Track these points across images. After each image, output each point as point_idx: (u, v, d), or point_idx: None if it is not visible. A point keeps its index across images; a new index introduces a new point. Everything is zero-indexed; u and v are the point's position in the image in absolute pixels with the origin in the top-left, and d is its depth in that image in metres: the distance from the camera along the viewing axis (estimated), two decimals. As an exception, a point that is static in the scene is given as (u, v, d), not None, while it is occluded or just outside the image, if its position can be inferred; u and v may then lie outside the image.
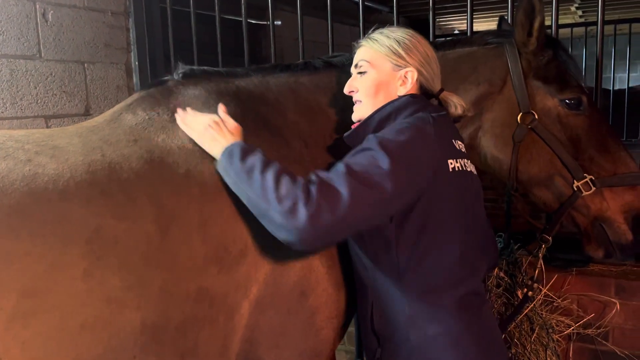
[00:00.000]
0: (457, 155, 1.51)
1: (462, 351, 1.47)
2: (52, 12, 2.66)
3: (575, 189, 1.77)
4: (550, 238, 1.92)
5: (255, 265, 1.47)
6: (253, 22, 4.76)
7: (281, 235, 1.31)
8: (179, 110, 1.55)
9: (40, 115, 2.64)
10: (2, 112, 2.48)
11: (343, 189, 1.28)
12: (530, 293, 2.03)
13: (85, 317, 1.20)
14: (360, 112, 1.61)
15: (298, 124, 1.74)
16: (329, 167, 1.69)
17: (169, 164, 1.45)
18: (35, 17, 2.59)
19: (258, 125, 1.66)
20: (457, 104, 1.63)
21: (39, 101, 2.63)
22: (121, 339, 1.25)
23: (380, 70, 1.58)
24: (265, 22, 4.83)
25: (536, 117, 1.78)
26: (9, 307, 1.12)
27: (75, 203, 1.25)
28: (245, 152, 1.38)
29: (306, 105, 1.79)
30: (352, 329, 2.82)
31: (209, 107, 1.62)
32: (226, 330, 1.43)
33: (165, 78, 1.73)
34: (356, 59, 1.64)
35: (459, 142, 1.56)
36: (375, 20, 6.41)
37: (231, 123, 1.51)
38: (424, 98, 1.59)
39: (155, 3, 3.16)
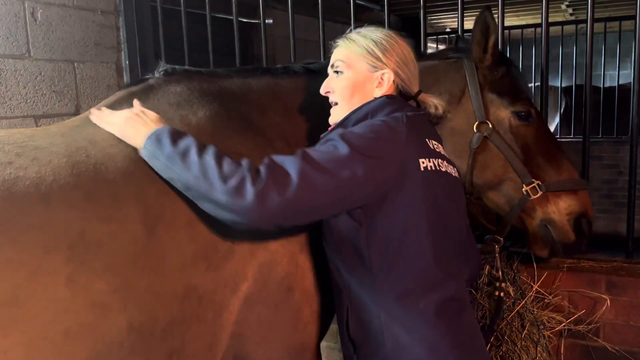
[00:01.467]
0: (431, 154, 1.50)
1: (438, 358, 1.44)
2: (41, 11, 2.64)
3: (525, 193, 1.92)
4: (502, 239, 2.05)
5: (243, 262, 1.48)
6: (244, 20, 4.74)
7: (225, 215, 1.28)
8: (93, 110, 1.51)
9: (30, 115, 2.61)
10: (-9, 112, 2.46)
11: (293, 171, 1.28)
12: (501, 294, 2.07)
13: (69, 324, 1.18)
14: (336, 115, 1.61)
15: (279, 125, 1.77)
16: None
17: None
18: (24, 16, 2.56)
19: (243, 125, 1.68)
20: (436, 104, 1.64)
21: (29, 101, 2.61)
22: (107, 343, 1.23)
23: (356, 71, 1.57)
24: (256, 21, 4.82)
25: (490, 126, 1.94)
26: None
27: (59, 207, 1.22)
28: (176, 135, 1.34)
29: (286, 107, 1.83)
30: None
31: (192, 105, 1.63)
32: (214, 327, 1.43)
33: (147, 76, 1.74)
34: (333, 58, 1.63)
35: (434, 142, 1.56)
36: (367, 19, 6.40)
37: (151, 113, 1.46)
38: (401, 99, 1.59)
39: (146, 2, 3.14)
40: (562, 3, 6.91)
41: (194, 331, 1.38)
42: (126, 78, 3.08)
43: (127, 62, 3.06)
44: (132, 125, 1.41)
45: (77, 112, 2.83)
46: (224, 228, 1.39)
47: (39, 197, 1.21)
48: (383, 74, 1.56)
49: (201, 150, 1.31)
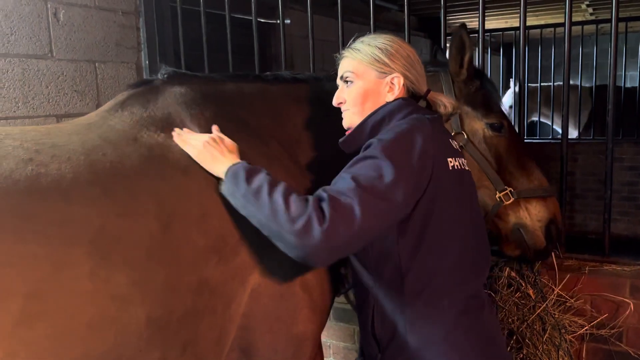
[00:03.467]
0: (455, 154, 1.56)
1: (461, 355, 1.47)
2: (63, 11, 2.67)
3: (498, 199, 2.01)
4: None
5: (250, 255, 1.53)
6: (262, 20, 4.75)
7: (296, 254, 1.32)
8: (176, 129, 1.58)
9: (52, 115, 2.65)
10: (14, 112, 2.49)
11: (355, 204, 1.30)
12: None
13: (92, 316, 1.21)
14: (349, 119, 1.63)
15: (270, 127, 1.84)
16: (306, 166, 1.82)
17: (169, 161, 1.49)
18: (46, 16, 2.60)
19: (238, 126, 1.74)
20: (445, 102, 1.67)
21: (51, 100, 2.64)
22: (127, 334, 1.26)
23: (366, 80, 1.60)
24: (274, 21, 4.82)
25: (465, 136, 2.02)
26: (15, 310, 1.11)
27: (79, 203, 1.26)
28: (250, 173, 1.40)
29: (276, 111, 1.90)
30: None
31: (198, 105, 1.71)
32: (224, 318, 1.48)
33: (151, 78, 1.81)
34: (341, 70, 1.66)
35: (454, 142, 1.61)
36: (385, 19, 6.37)
37: (228, 141, 1.54)
38: (413, 101, 1.61)
39: (166, 2, 3.17)
40: (583, 3, 6.81)
41: (206, 323, 1.43)
42: (146, 78, 3.11)
43: (147, 62, 3.09)
44: (209, 152, 1.48)
45: (97, 112, 2.86)
46: (232, 222, 1.45)
47: (60, 193, 1.24)
48: (393, 78, 1.58)
49: (271, 188, 1.36)
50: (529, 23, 7.66)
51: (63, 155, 1.33)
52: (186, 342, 1.39)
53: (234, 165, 1.44)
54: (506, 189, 2.00)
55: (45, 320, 1.15)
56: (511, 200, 2.00)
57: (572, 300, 2.25)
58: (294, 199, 1.33)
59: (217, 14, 3.29)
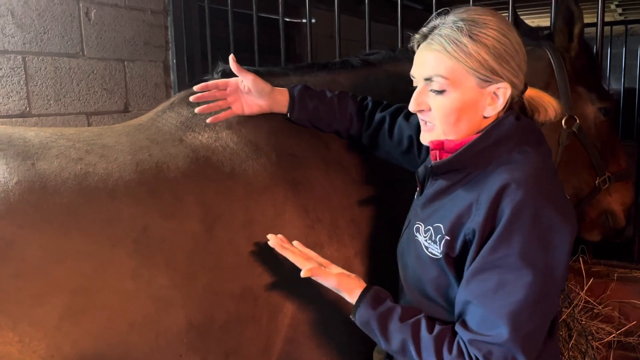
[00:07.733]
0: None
1: None
2: (94, 11, 2.71)
3: (597, 184, 1.91)
4: None
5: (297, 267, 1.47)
6: (287, 20, 4.76)
7: None
8: (307, 270, 1.30)
9: (82, 112, 2.69)
10: (47, 109, 2.54)
11: (514, 352, 1.09)
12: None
13: (134, 316, 1.21)
14: (434, 137, 1.27)
15: None
16: (370, 169, 1.67)
17: (214, 163, 1.46)
18: (78, 16, 2.64)
19: (296, 128, 1.66)
20: (548, 105, 1.28)
21: (81, 98, 2.69)
22: (168, 337, 1.26)
23: (464, 90, 1.19)
24: (298, 20, 4.83)
25: (577, 121, 1.83)
26: (60, 305, 1.13)
27: (124, 202, 1.27)
28: (383, 325, 1.23)
29: None
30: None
31: None
32: (269, 329, 1.44)
33: (205, 77, 1.74)
34: (425, 68, 1.22)
35: None
36: (410, 19, 6.32)
37: (355, 280, 1.32)
38: (522, 119, 1.26)
39: (194, 2, 3.19)
40: (612, 3, 6.69)
41: (250, 332, 1.40)
42: (173, 77, 3.14)
43: (175, 60, 3.12)
44: (343, 286, 1.29)
45: (126, 110, 2.90)
46: (278, 231, 1.40)
47: (107, 192, 1.26)
48: (498, 88, 1.20)
49: (421, 345, 1.17)
50: (555, 23, 7.54)
51: (111, 155, 1.34)
52: (229, 350, 1.36)
53: (360, 311, 1.25)
54: (605, 175, 1.89)
55: (89, 317, 1.16)
56: (606, 186, 1.90)
57: (600, 307, 2.22)
58: (439, 347, 1.14)
59: (243, 13, 3.31)
